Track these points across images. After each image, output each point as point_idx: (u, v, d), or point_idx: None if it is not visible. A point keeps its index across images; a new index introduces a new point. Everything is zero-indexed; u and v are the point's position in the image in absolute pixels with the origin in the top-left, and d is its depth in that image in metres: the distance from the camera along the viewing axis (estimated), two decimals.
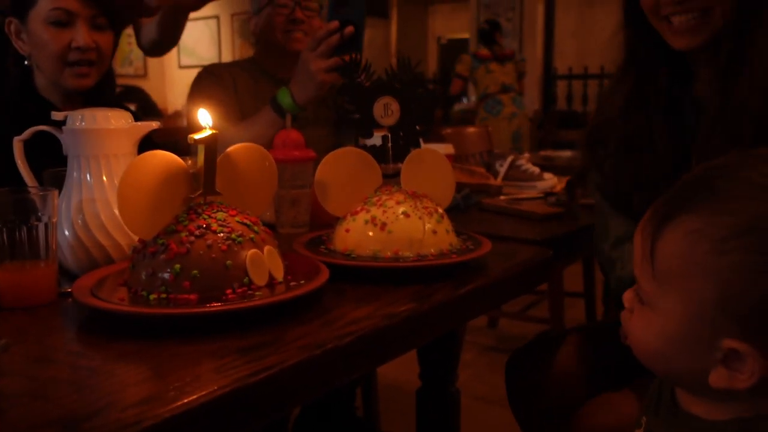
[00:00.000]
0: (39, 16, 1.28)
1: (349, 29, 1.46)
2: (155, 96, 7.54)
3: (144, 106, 6.15)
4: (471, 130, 3.06)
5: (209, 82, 1.80)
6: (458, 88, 5.49)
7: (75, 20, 1.29)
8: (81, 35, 1.28)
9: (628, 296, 0.69)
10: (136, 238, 0.83)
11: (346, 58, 1.10)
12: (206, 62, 9.13)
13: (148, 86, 7.71)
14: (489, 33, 5.34)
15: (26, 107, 1.33)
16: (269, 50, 1.86)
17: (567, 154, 3.06)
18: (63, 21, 1.28)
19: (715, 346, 0.59)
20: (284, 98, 1.56)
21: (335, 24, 1.46)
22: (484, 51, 5.31)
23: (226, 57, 8.77)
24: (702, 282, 0.59)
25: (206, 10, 1.66)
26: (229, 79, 1.81)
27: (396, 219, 0.98)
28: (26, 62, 1.35)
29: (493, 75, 5.18)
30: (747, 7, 1.01)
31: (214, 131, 0.79)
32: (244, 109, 1.77)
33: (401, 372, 1.72)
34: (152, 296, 0.75)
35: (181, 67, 8.85)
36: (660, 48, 1.10)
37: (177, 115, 6.27)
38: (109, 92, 1.52)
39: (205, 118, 0.81)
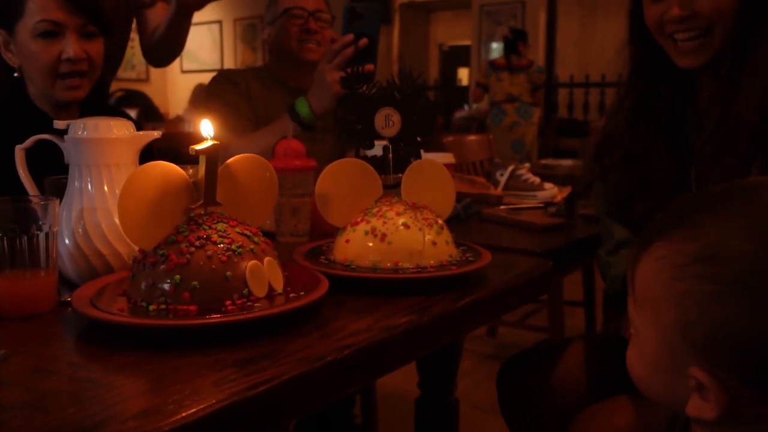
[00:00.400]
0: (26, 28, 1.25)
1: (363, 41, 1.50)
2: (157, 100, 7.56)
3: (146, 111, 6.16)
4: (472, 138, 3.06)
5: (225, 86, 1.85)
6: (477, 96, 5.57)
7: (64, 31, 1.25)
8: (71, 46, 1.25)
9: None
10: (137, 248, 0.83)
11: (359, 68, 1.11)
12: (208, 67, 9.11)
13: (150, 90, 7.73)
14: (512, 42, 5.39)
15: (20, 117, 1.31)
16: (282, 59, 1.90)
17: (568, 162, 3.06)
18: (51, 32, 1.25)
19: (685, 373, 0.59)
20: (302, 108, 1.59)
21: (350, 37, 1.50)
22: (501, 59, 5.37)
23: (229, 62, 8.80)
24: (666, 308, 0.59)
25: (209, 15, 1.68)
26: (244, 85, 1.85)
27: (396, 230, 0.98)
28: (16, 74, 1.32)
29: (501, 84, 5.26)
30: (746, 26, 1.03)
31: (215, 142, 0.79)
32: (258, 115, 1.82)
33: (400, 380, 1.72)
34: (152, 307, 0.75)
35: (183, 71, 8.88)
36: (664, 64, 1.12)
37: (179, 119, 6.28)
38: (105, 99, 1.51)
39: (207, 128, 0.82)
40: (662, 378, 0.62)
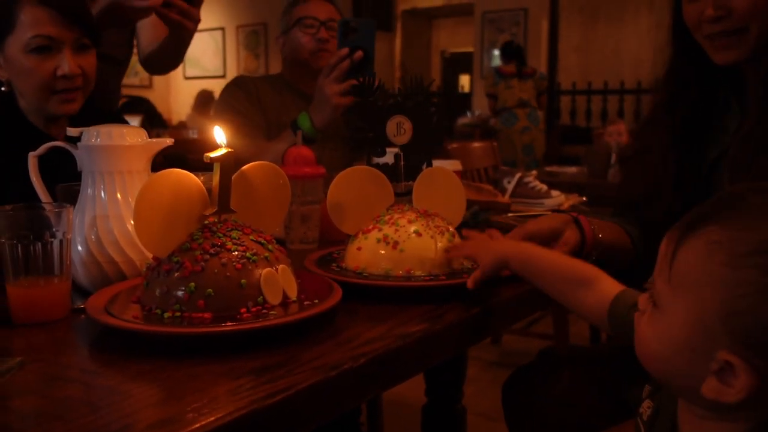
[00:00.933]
0: (18, 43, 1.19)
1: (358, 54, 1.57)
2: (160, 107, 7.57)
3: (149, 118, 6.17)
4: (476, 145, 3.06)
5: (237, 94, 1.91)
6: (492, 106, 5.76)
7: (59, 46, 1.20)
8: (66, 62, 1.20)
9: (643, 298, 0.70)
10: (149, 255, 0.83)
11: (359, 80, 1.13)
12: (211, 74, 9.10)
13: (152, 96, 7.74)
14: (521, 52, 5.68)
15: (11, 131, 1.26)
16: (296, 68, 1.97)
17: (572, 170, 3.06)
18: (45, 47, 1.19)
19: (711, 356, 0.60)
20: (304, 123, 1.64)
21: (345, 50, 1.58)
22: (509, 68, 5.56)
23: (231, 68, 8.82)
24: (712, 292, 0.60)
25: (212, 22, 1.68)
26: (255, 91, 1.91)
27: (408, 238, 0.98)
28: (3, 88, 1.26)
29: (512, 90, 5.47)
30: None
31: (229, 149, 0.79)
32: (269, 121, 1.87)
33: (406, 388, 1.72)
34: (166, 314, 0.75)
35: (186, 78, 8.89)
36: (704, 63, 1.12)
37: (182, 126, 6.28)
38: (100, 105, 1.45)
39: (220, 135, 0.82)
40: (684, 357, 0.62)
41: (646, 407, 0.77)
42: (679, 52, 1.17)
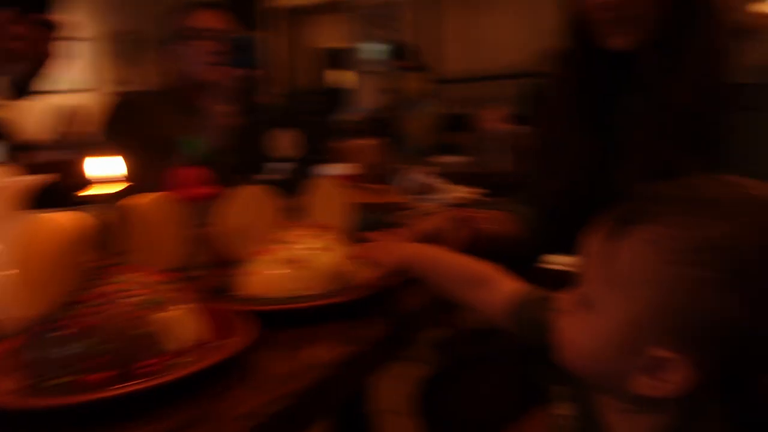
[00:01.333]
0: None
1: (244, 72, 1.62)
2: (20, 126, 7.00)
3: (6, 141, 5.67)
4: (365, 142, 3.03)
5: (125, 111, 1.82)
6: (389, 101, 5.95)
7: None
8: None
9: (566, 297, 0.69)
10: (29, 313, 0.73)
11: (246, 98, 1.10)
12: (79, 86, 8.46)
13: (9, 115, 7.16)
14: (407, 50, 5.92)
15: None
16: (185, 81, 1.86)
17: (458, 159, 3.11)
18: None
19: (642, 352, 0.60)
20: (193, 145, 1.57)
21: (231, 70, 1.65)
22: (403, 63, 5.83)
23: (101, 80, 8.32)
24: (649, 289, 0.60)
25: (80, 31, 1.57)
26: (146, 108, 1.82)
27: (312, 254, 0.94)
28: None
29: (413, 83, 5.77)
30: (673, 13, 1.04)
31: (119, 182, 0.71)
32: (158, 136, 1.80)
33: None
34: (59, 381, 0.65)
35: (49, 92, 8.31)
36: (598, 48, 1.12)
37: (50, 145, 5.83)
38: None
39: (110, 167, 0.73)
40: (614, 355, 0.62)
41: (564, 409, 0.77)
42: (572, 39, 1.17)
